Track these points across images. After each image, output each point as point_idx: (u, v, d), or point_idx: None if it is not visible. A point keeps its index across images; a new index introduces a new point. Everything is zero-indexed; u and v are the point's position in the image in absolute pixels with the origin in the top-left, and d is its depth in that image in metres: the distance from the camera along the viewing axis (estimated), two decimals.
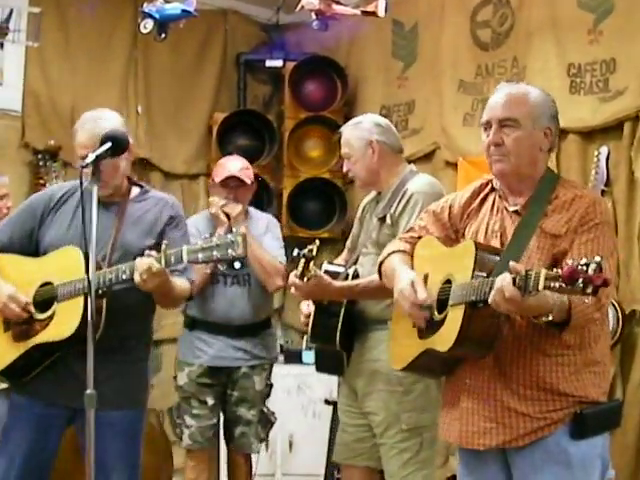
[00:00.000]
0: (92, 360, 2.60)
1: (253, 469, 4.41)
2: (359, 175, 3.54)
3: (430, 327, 2.59)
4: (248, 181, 4.26)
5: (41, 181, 4.96)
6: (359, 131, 3.51)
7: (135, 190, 3.27)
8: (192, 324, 4.28)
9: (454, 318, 2.48)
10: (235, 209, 4.13)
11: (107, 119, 3.14)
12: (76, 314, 2.96)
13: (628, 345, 4.20)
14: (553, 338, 2.46)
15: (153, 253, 2.91)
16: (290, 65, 5.78)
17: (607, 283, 2.12)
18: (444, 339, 2.51)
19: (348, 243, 3.74)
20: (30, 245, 3.20)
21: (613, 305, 4.02)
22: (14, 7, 4.90)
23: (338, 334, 3.40)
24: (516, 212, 2.61)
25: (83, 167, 2.76)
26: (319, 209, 5.89)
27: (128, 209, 3.19)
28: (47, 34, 5.13)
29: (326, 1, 4.67)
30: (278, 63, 5.88)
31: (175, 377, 4.31)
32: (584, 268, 2.10)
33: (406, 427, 3.35)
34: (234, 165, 4.30)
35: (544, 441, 2.49)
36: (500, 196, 2.68)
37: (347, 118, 4.59)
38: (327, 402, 4.52)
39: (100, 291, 2.91)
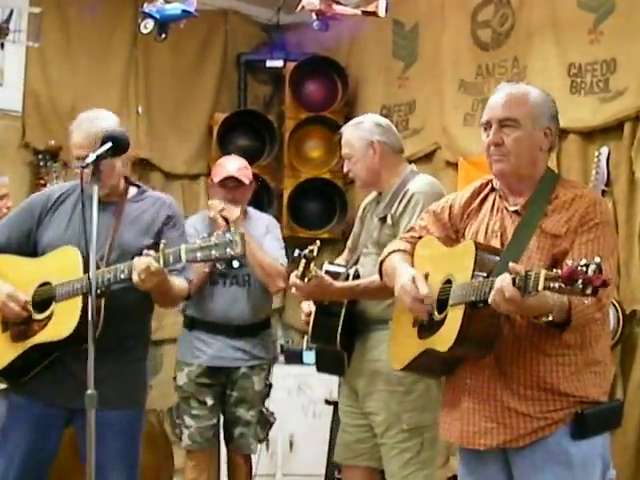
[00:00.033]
0: (93, 360, 2.60)
1: (253, 469, 4.41)
2: (360, 175, 3.54)
3: (430, 327, 2.59)
4: (246, 181, 4.26)
5: (41, 181, 4.96)
6: (360, 131, 3.51)
7: (132, 190, 3.28)
8: (191, 324, 4.28)
9: (454, 318, 2.48)
10: (234, 213, 4.11)
11: (103, 119, 3.14)
12: (74, 314, 2.96)
13: (628, 345, 4.20)
14: (553, 338, 2.46)
15: (151, 252, 2.91)
16: (290, 65, 5.79)
17: (607, 284, 2.11)
18: (444, 339, 2.51)
19: (349, 243, 3.74)
20: (28, 245, 3.20)
21: (613, 305, 4.02)
22: (14, 7, 4.90)
23: (339, 334, 3.40)
24: (516, 212, 2.61)
25: (83, 167, 2.76)
26: (320, 209, 5.89)
27: (125, 209, 3.19)
28: (47, 34, 5.14)
29: (326, 1, 4.67)
30: (279, 63, 5.88)
31: (174, 377, 4.31)
32: (584, 269, 2.10)
33: (407, 427, 3.35)
34: (232, 165, 4.29)
35: (545, 441, 2.49)
36: (500, 196, 2.68)
37: (348, 118, 4.58)
38: (328, 402, 4.53)
39: (99, 291, 2.90)
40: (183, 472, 4.43)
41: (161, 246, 2.91)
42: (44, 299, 3.09)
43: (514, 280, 2.24)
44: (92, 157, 2.76)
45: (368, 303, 3.42)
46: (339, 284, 3.37)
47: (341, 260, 3.70)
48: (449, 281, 2.57)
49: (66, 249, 3.08)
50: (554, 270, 2.16)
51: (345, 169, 3.60)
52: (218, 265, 4.10)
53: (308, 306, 3.57)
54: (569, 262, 2.14)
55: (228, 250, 2.82)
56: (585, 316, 2.38)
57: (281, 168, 5.86)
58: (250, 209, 4.39)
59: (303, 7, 4.70)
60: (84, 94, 5.27)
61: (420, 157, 5.20)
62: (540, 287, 2.17)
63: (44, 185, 4.83)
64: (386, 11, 4.71)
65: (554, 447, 2.49)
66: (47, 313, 3.07)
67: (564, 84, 4.49)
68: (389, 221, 3.39)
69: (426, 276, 2.64)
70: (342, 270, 3.51)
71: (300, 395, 5.34)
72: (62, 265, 3.07)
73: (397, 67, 5.54)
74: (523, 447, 2.51)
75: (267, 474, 5.06)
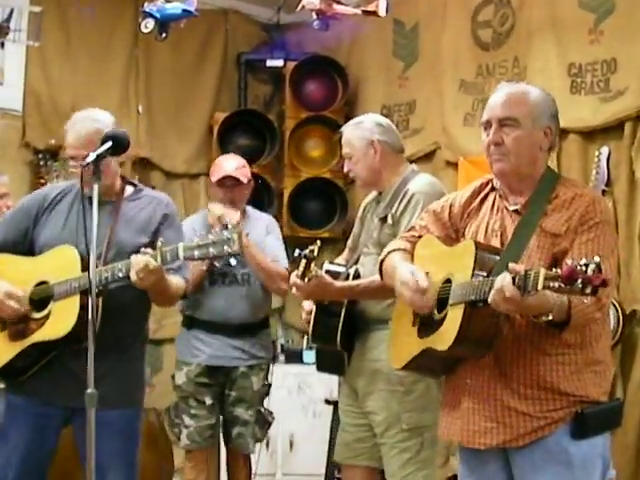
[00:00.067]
0: (92, 359, 2.59)
1: (253, 469, 4.41)
2: (360, 175, 3.53)
3: (430, 326, 2.59)
4: (244, 180, 4.25)
5: (42, 180, 4.96)
6: (360, 131, 3.50)
7: (129, 189, 3.28)
8: (190, 323, 4.27)
9: (454, 317, 2.48)
10: (234, 218, 4.09)
11: (96, 120, 3.13)
12: (72, 313, 2.96)
13: (629, 345, 4.20)
14: (553, 337, 2.46)
15: (149, 250, 2.92)
16: (291, 65, 5.79)
17: (606, 283, 2.11)
18: (443, 338, 2.51)
19: (349, 243, 3.73)
20: (25, 245, 3.20)
21: (614, 305, 4.02)
22: (15, 6, 4.90)
23: (339, 334, 3.39)
24: (516, 211, 2.61)
25: (84, 167, 2.76)
26: (320, 209, 5.89)
27: (122, 208, 3.19)
28: (48, 33, 5.14)
29: (327, 1, 4.67)
30: (279, 63, 5.88)
31: (173, 376, 4.31)
32: (583, 268, 2.10)
33: (407, 427, 3.35)
34: (230, 164, 4.29)
35: (545, 441, 2.49)
36: (500, 195, 2.68)
37: (348, 118, 4.59)
38: (328, 402, 4.53)
39: (97, 289, 2.90)
40: (183, 472, 4.43)
41: (158, 244, 2.92)
42: (42, 298, 3.09)
43: (514, 279, 2.24)
44: (92, 156, 2.76)
45: (368, 303, 3.42)
46: (339, 284, 3.37)
47: (341, 260, 3.70)
48: (449, 280, 2.57)
49: (63, 248, 3.08)
50: (554, 269, 2.16)
51: (345, 169, 3.59)
52: (216, 263, 4.08)
53: (309, 304, 3.56)
54: (569, 261, 2.14)
55: (225, 248, 2.83)
56: (585, 315, 2.38)
57: (281, 168, 5.86)
58: (249, 209, 4.38)
59: (303, 7, 4.70)
60: (84, 93, 5.27)
61: (420, 157, 5.20)
62: (540, 286, 2.17)
63: (44, 184, 4.82)
64: (386, 11, 4.71)
65: (554, 447, 2.48)
66: (45, 312, 3.07)
67: (564, 84, 4.49)
68: (389, 221, 3.39)
69: (426, 275, 2.64)
70: (342, 270, 3.51)
71: (300, 395, 5.34)
72: (60, 264, 3.07)
73: (397, 67, 5.54)
74: (523, 446, 2.50)
75: (267, 474, 5.06)
